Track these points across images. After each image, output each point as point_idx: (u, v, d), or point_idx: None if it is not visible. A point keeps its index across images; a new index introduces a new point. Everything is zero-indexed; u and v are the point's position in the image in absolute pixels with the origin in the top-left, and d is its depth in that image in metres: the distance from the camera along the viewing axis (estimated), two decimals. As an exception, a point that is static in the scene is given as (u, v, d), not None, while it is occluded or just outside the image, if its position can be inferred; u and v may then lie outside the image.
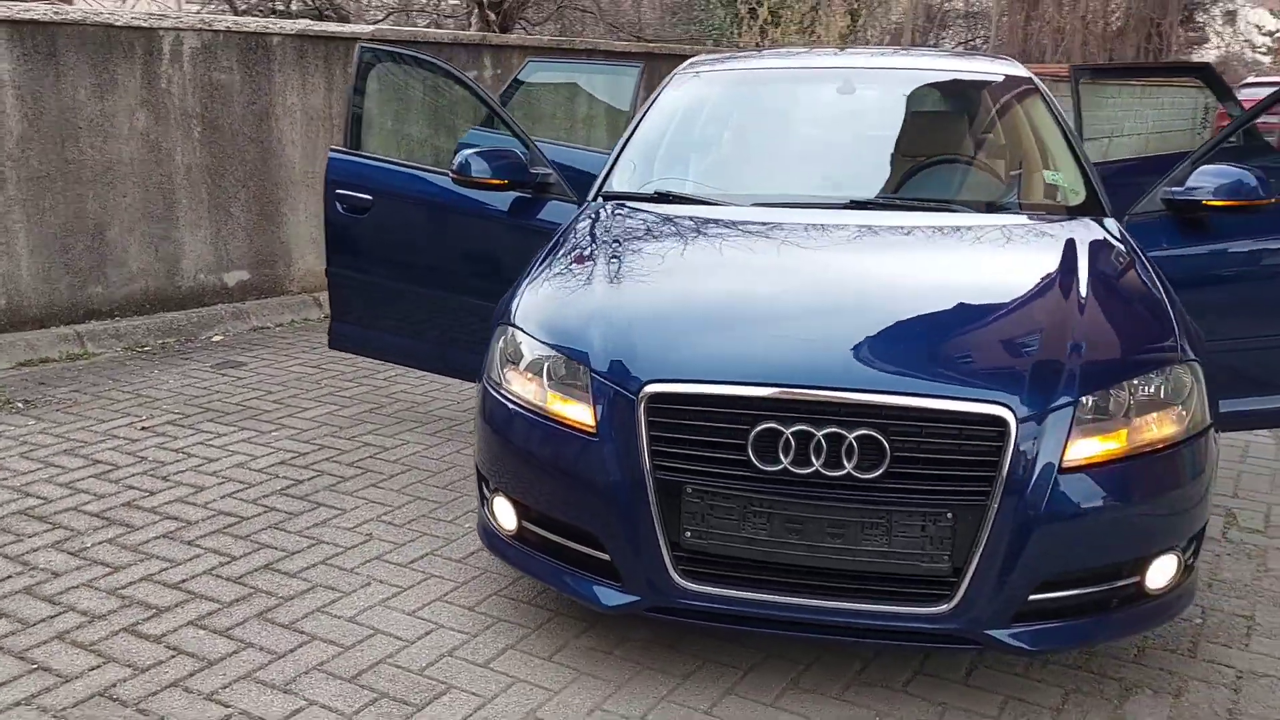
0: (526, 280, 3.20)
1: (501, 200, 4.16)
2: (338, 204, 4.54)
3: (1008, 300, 2.96)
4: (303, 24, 7.12)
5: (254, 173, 6.97)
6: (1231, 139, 4.03)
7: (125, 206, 6.36)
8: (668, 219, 3.58)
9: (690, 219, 3.54)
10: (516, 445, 2.86)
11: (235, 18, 7.39)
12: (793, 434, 2.53)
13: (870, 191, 3.69)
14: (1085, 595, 2.63)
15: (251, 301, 6.98)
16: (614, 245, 3.34)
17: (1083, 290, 2.91)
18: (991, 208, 3.63)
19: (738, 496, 2.56)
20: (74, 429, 4.67)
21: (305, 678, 2.78)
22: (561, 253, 3.36)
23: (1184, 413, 2.69)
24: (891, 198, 3.65)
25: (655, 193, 3.80)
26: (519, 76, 5.73)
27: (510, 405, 2.88)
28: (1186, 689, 2.84)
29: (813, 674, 2.86)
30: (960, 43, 31.30)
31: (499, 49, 8.44)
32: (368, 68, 4.65)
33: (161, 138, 6.46)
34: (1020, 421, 2.50)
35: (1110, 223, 3.57)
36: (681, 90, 4.32)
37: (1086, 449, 2.55)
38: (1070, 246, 3.22)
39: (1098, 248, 3.26)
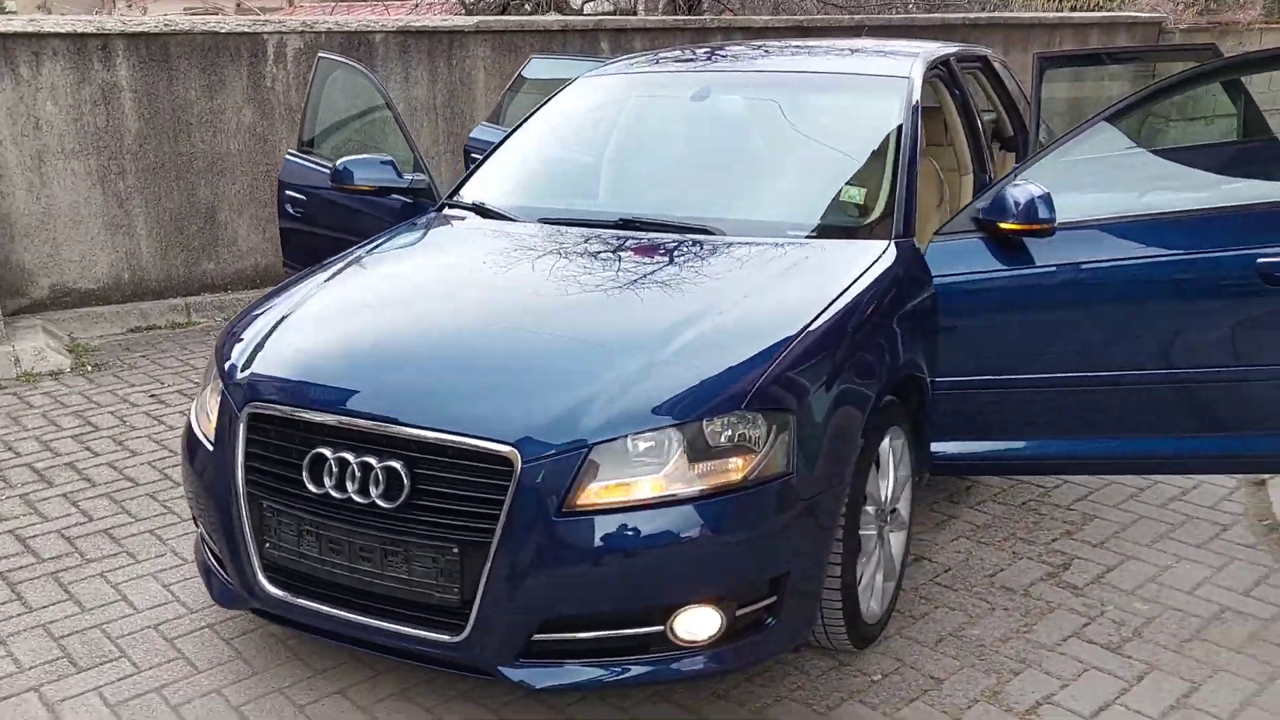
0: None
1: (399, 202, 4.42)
2: (287, 205, 5.01)
3: (610, 336, 2.92)
4: (403, 21, 7.64)
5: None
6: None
7: (234, 193, 7.18)
8: (440, 233, 3.75)
9: (454, 234, 3.70)
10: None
11: (338, 18, 7.99)
12: (335, 460, 2.69)
13: (654, 210, 3.66)
14: (600, 640, 2.61)
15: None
16: (361, 258, 3.57)
17: (694, 329, 2.83)
18: (763, 229, 3.48)
19: (294, 515, 2.75)
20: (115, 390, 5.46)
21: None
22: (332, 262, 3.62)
23: (729, 464, 2.58)
24: (662, 217, 3.59)
25: (472, 203, 3.96)
26: (523, 73, 5.94)
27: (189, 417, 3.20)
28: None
29: (422, 688, 3.00)
30: None
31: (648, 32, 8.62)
32: (324, 76, 5.08)
33: (267, 131, 7.22)
34: (526, 462, 2.53)
35: (890, 245, 3.36)
36: (569, 95, 4.41)
37: (593, 495, 2.54)
38: (757, 276, 3.11)
39: (795, 276, 3.12)
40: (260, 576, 2.85)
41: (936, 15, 10.45)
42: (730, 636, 2.66)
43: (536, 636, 2.59)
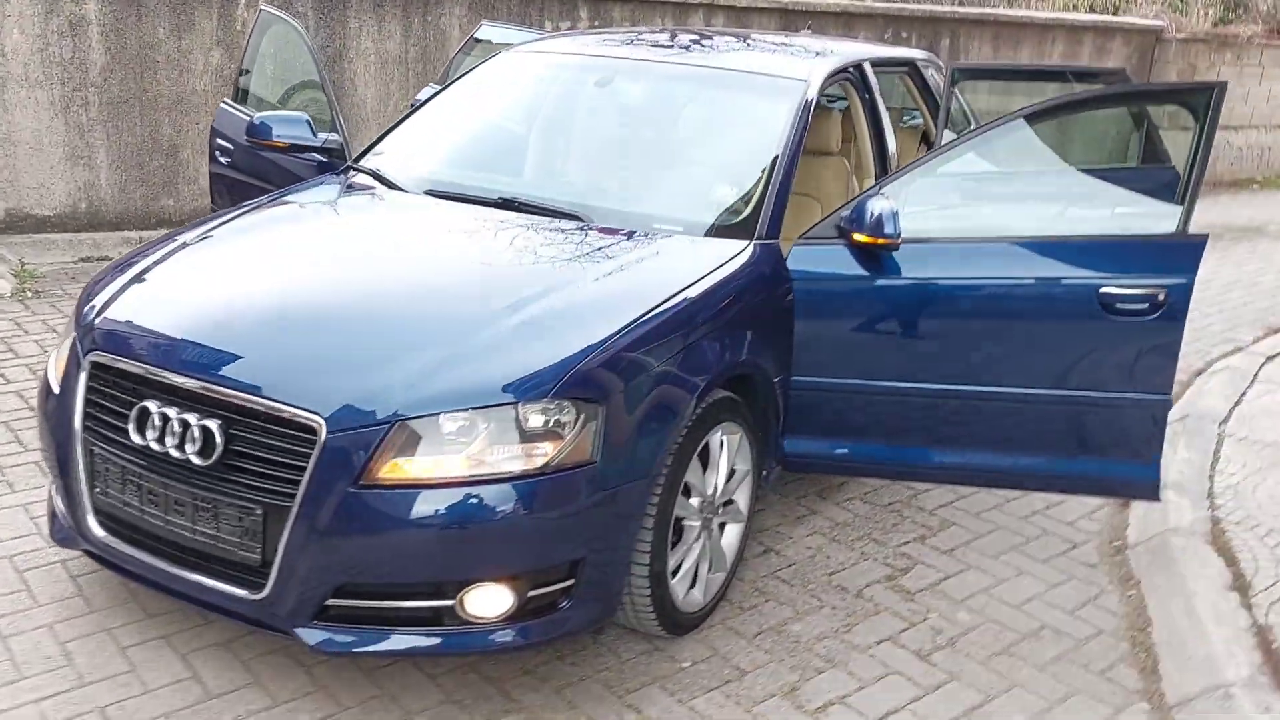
0: None
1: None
2: (217, 152, 5.10)
3: (443, 314, 2.99)
4: (379, -27, 7.67)
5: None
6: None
7: (198, 132, 7.25)
8: (324, 197, 3.84)
9: (337, 199, 3.79)
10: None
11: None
12: (159, 414, 2.79)
13: (533, 191, 3.73)
14: (392, 609, 2.72)
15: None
16: (238, 217, 3.66)
17: (523, 313, 2.92)
18: (630, 220, 3.56)
19: (120, 464, 2.86)
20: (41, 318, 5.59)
21: None
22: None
23: (536, 449, 2.67)
24: (538, 199, 3.66)
25: (370, 169, 4.04)
26: (476, 35, 6.00)
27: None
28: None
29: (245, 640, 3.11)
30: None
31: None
32: (263, 28, 5.16)
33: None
34: (330, 432, 2.62)
35: (750, 246, 3.44)
36: (487, 69, 4.48)
37: (395, 469, 2.63)
38: (607, 266, 3.19)
39: (643, 269, 3.21)
40: (90, 520, 2.96)
41: (925, 7, 10.37)
42: (522, 616, 2.76)
43: (330, 601, 2.70)
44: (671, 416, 2.96)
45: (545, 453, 2.69)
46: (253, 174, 4.92)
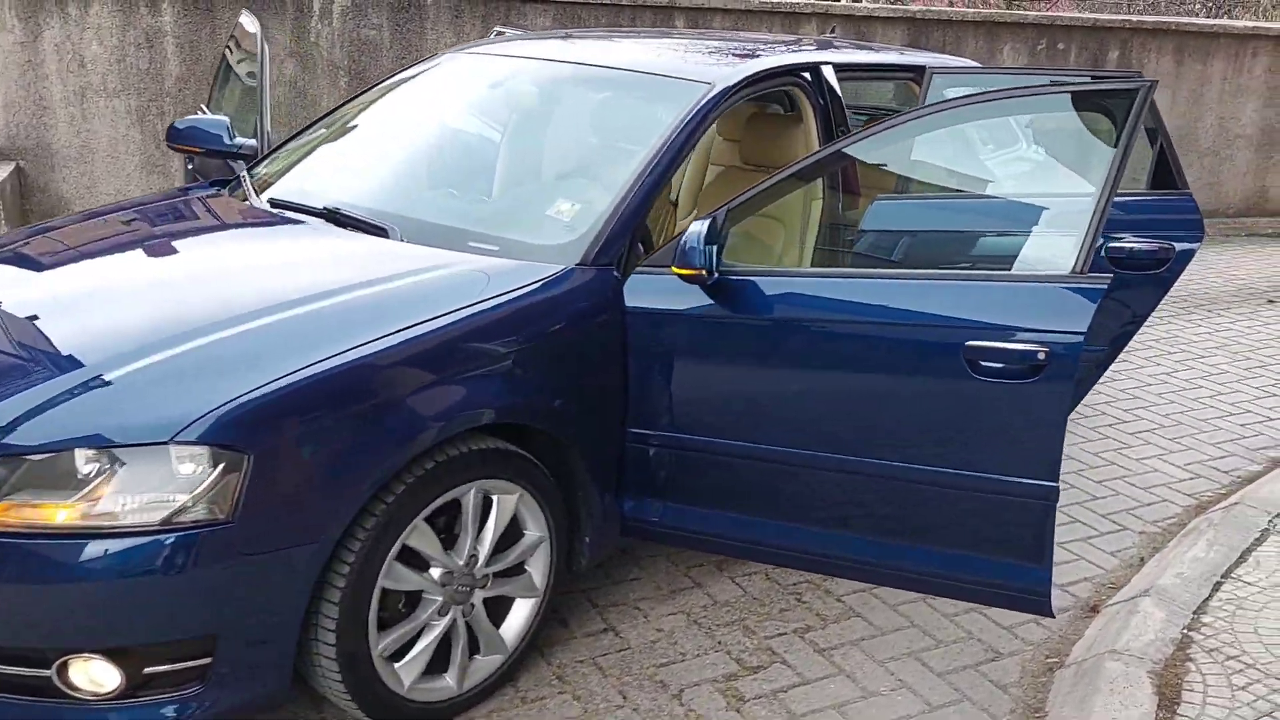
0: None
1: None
2: (186, 159, 5.02)
3: (111, 336, 2.58)
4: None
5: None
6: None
7: (271, 143, 7.30)
8: (165, 204, 3.62)
9: (179, 207, 3.54)
10: None
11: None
12: None
13: (357, 200, 3.34)
14: None
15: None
16: (84, 219, 3.48)
17: (200, 340, 2.52)
18: (441, 237, 3.09)
19: None
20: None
21: None
22: None
23: (158, 499, 2.28)
24: (354, 209, 3.25)
25: (249, 174, 3.78)
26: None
27: None
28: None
29: None
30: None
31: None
32: (232, 49, 5.05)
33: (308, 85, 7.29)
34: None
35: (570, 272, 2.95)
36: (405, 74, 4.14)
37: None
38: (359, 290, 2.77)
39: (401, 293, 2.78)
40: None
41: (1089, 15, 9.25)
42: (138, 694, 2.37)
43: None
44: (370, 471, 2.49)
45: (167, 506, 2.29)
46: (210, 177, 4.79)
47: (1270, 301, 7.37)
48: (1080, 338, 2.55)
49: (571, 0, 7.69)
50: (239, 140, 4.21)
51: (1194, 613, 3.26)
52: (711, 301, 2.92)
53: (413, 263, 2.95)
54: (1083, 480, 4.42)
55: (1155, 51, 9.40)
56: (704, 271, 2.77)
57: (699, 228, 2.78)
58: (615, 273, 3.02)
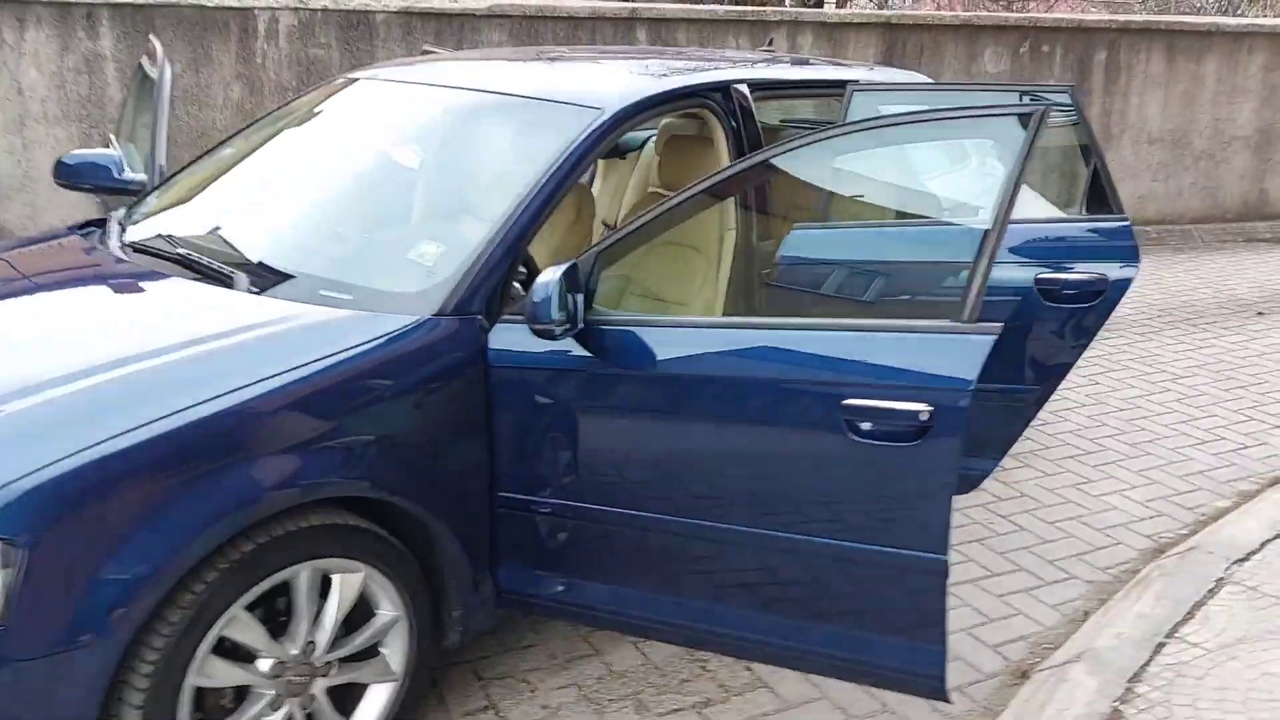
0: None
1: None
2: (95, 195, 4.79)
3: None
4: (407, 2, 7.24)
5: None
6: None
7: (219, 168, 7.09)
8: (36, 248, 3.39)
9: (35, 251, 3.31)
10: None
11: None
12: None
13: (208, 244, 3.10)
14: None
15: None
16: None
17: None
18: (289, 286, 2.85)
19: None
20: None
21: None
22: None
23: None
24: (200, 256, 3.01)
25: (125, 213, 3.55)
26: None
27: None
28: None
29: None
30: None
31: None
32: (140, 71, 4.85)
33: (255, 109, 7.06)
34: None
35: (423, 322, 2.69)
36: (304, 101, 3.90)
37: None
38: (184, 350, 2.52)
39: (224, 352, 2.54)
40: None
41: (1073, 16, 8.93)
42: None
43: None
44: (171, 559, 2.24)
45: None
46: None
47: (1260, 314, 7.04)
48: (968, 395, 2.28)
49: (527, 15, 7.46)
50: (128, 176, 3.99)
51: (1129, 681, 2.97)
52: (579, 354, 2.66)
53: (252, 316, 2.70)
54: (1034, 521, 4.13)
55: (1145, 52, 9.07)
56: (553, 326, 2.50)
57: (550, 276, 2.51)
58: (482, 322, 2.77)
